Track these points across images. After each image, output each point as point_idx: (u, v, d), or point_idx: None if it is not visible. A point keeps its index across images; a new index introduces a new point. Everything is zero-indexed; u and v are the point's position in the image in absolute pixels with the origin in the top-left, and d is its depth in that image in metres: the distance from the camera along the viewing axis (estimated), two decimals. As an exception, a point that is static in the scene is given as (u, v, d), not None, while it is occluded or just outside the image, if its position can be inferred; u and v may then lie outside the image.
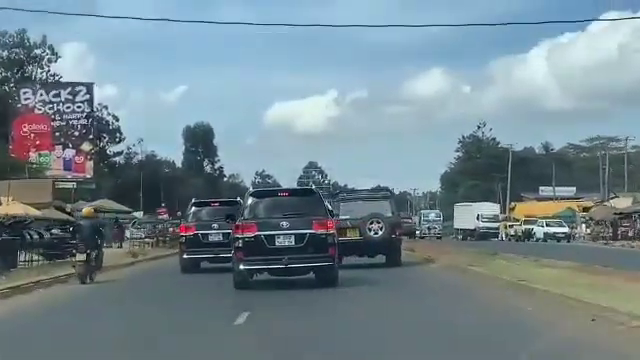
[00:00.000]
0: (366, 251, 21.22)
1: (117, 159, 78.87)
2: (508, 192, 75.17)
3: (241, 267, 14.36)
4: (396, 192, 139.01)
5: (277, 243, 14.29)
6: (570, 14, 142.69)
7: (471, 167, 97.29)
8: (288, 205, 14.90)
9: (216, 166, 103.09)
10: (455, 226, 67.69)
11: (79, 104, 53.83)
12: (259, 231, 14.28)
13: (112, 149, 78.35)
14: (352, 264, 20.20)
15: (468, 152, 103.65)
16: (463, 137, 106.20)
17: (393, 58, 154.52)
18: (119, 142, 78.23)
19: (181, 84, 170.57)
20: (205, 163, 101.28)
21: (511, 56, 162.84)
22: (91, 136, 55.57)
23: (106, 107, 78.09)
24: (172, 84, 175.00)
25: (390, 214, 21.74)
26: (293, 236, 14.31)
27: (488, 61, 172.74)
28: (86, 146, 54.09)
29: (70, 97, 53.70)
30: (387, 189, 22.55)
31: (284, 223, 14.39)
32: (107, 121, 77.19)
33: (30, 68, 67.55)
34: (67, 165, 52.89)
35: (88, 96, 54.33)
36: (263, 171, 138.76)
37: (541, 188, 77.34)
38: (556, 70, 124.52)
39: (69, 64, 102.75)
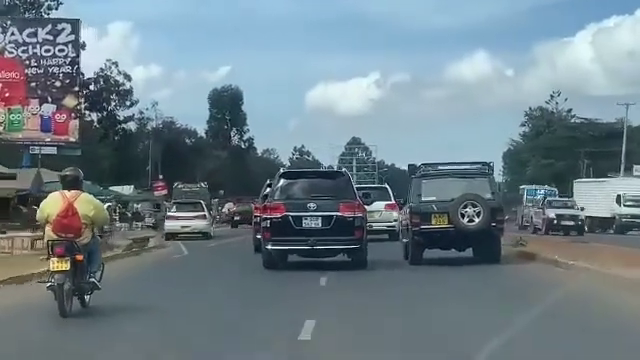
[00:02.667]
0: (457, 243, 17.90)
1: (126, 125, 74.74)
2: (622, 166, 66.69)
3: (268, 247, 15.96)
4: None
5: (304, 224, 15.67)
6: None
7: (542, 143, 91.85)
8: (317, 187, 16.25)
9: (245, 137, 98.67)
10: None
11: (61, 47, 44.83)
12: (287, 212, 15.69)
13: (122, 113, 74.35)
14: (430, 258, 17.87)
15: (536, 127, 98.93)
16: (530, 109, 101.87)
17: (436, 41, 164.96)
18: (131, 106, 74.35)
19: (224, 65, 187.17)
20: (233, 133, 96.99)
21: (555, 40, 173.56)
22: (76, 88, 46.02)
23: (116, 64, 74.14)
24: (215, 64, 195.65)
25: (490, 195, 17.71)
26: (320, 218, 15.65)
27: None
28: (70, 101, 44.71)
29: (50, 38, 44.74)
30: (486, 163, 18.02)
31: (311, 205, 15.69)
32: (117, 81, 73.23)
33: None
34: (45, 125, 43.91)
35: (73, 36, 45.02)
36: (302, 147, 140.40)
37: (636, 167, 70.33)
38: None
39: (114, 41, 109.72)
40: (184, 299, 12.03)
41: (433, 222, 17.23)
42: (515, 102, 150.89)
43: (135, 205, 49.38)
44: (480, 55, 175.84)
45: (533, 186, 58.60)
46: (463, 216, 17.06)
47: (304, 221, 15.73)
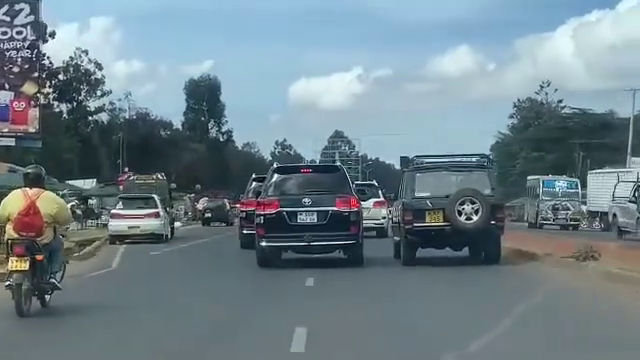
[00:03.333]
0: (453, 242, 17.13)
1: (98, 117, 73.55)
2: (629, 157, 64.57)
3: (262, 244, 15.83)
4: None
5: (299, 220, 15.65)
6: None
7: (532, 135, 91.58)
8: (312, 182, 16.29)
9: (224, 129, 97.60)
10: (589, 208, 44.02)
11: (19, 29, 41.80)
12: (281, 207, 15.66)
13: (94, 104, 73.19)
14: (422, 257, 17.07)
15: (525, 118, 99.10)
16: (518, 100, 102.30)
17: (419, 36, 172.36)
18: (102, 96, 73.19)
19: (207, 59, 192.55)
20: (210, 125, 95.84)
21: (537, 34, 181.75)
22: (36, 74, 43.21)
23: (86, 52, 72.99)
24: (198, 58, 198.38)
25: (489, 190, 16.89)
26: (315, 213, 15.66)
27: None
28: (29, 88, 41.77)
29: (7, 19, 41.75)
30: (485, 155, 17.48)
31: (306, 200, 15.74)
32: (87, 70, 72.00)
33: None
34: (2, 114, 40.88)
35: (32, 17, 42.03)
36: (284, 140, 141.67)
37: (633, 159, 68.67)
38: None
39: (95, 38, 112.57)
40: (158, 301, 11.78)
41: (427, 220, 16.42)
42: (497, 96, 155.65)
43: (90, 201, 46.36)
44: (462, 49, 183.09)
45: (549, 176, 48.80)
46: (460, 213, 16.24)
47: (299, 216, 15.77)
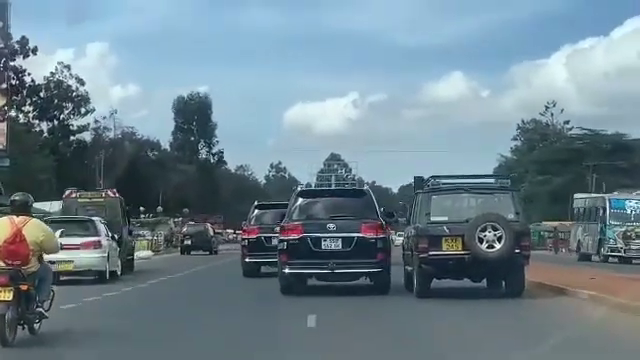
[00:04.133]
0: (472, 273, 15.81)
1: (80, 136, 72.05)
2: None
3: (285, 271, 15.82)
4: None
5: (323, 246, 15.62)
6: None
7: (538, 158, 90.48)
8: (337, 206, 16.30)
9: (214, 149, 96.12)
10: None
11: None
12: (305, 233, 15.67)
13: (77, 122, 71.72)
14: (437, 288, 15.94)
15: (530, 140, 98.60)
16: (523, 122, 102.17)
17: (414, 61, 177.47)
18: (86, 114, 71.79)
19: (203, 84, 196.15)
20: (200, 146, 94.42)
21: (530, 61, 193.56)
22: (4, 85, 41.12)
23: (68, 67, 71.66)
24: (194, 83, 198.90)
25: (513, 215, 15.56)
26: (340, 239, 15.62)
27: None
28: None
29: None
30: (508, 176, 16.00)
31: (331, 225, 15.73)
32: (69, 86, 70.64)
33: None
34: None
35: (0, 23, 40.71)
36: (279, 163, 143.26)
37: None
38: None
39: (92, 63, 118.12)
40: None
41: (444, 247, 15.14)
42: (492, 122, 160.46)
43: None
44: (457, 75, 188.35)
45: (615, 194, 37.76)
46: (481, 241, 14.93)
47: (323, 243, 15.73)
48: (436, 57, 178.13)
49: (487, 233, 14.86)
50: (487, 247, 14.85)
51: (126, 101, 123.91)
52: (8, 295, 9.32)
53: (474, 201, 15.70)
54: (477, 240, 14.84)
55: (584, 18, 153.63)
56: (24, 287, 9.51)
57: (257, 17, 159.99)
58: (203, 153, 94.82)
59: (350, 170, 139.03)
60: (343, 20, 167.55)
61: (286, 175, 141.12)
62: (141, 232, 47.81)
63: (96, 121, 74.71)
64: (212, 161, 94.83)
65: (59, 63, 71.70)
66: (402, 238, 75.06)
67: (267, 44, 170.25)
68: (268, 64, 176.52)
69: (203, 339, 10.55)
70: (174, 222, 51.16)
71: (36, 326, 9.97)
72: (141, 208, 58.66)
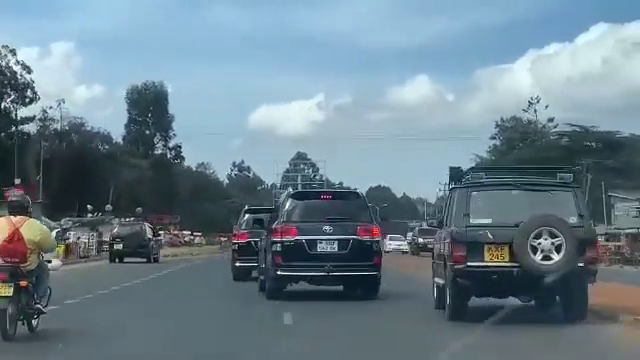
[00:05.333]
0: (521, 290, 13.13)
1: (23, 127, 68.21)
2: None
3: (279, 273, 16.09)
4: (397, 197, 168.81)
5: (319, 249, 16.04)
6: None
7: (519, 156, 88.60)
8: (331, 208, 16.63)
9: (171, 143, 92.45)
10: None
11: None
12: (300, 235, 16.07)
13: (20, 112, 67.92)
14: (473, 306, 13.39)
15: (509, 139, 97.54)
16: (502, 120, 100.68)
17: (379, 64, 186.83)
18: (30, 103, 67.96)
19: (167, 83, 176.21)
20: (156, 139, 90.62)
21: (495, 65, 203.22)
22: None
23: (13, 51, 67.83)
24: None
25: (576, 219, 12.73)
26: (336, 242, 16.05)
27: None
28: None
29: None
30: (571, 170, 13.15)
31: (327, 227, 16.09)
32: (14, 72, 66.86)
33: None
34: None
35: None
36: (242, 162, 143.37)
37: None
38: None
39: (57, 62, 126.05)
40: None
41: (487, 257, 12.37)
42: (457, 125, 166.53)
43: None
44: (421, 79, 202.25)
45: None
46: (535, 250, 12.20)
47: (319, 245, 15.94)
48: (401, 60, 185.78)
49: (542, 241, 12.23)
50: (542, 258, 12.23)
51: (91, 101, 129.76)
52: (9, 291, 10.18)
53: (526, 200, 12.79)
54: (529, 249, 12.18)
55: (550, 24, 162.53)
56: (23, 283, 10.36)
57: (223, 17, 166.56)
58: (159, 148, 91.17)
59: (317, 170, 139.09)
60: (309, 22, 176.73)
61: (250, 174, 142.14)
62: (69, 234, 41.56)
63: (44, 111, 71.03)
64: (169, 156, 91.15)
65: (3, 47, 67.83)
66: (397, 243, 70.69)
67: (233, 45, 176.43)
68: (234, 65, 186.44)
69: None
70: (121, 222, 45.46)
71: (34, 322, 10.88)
72: (89, 206, 55.11)
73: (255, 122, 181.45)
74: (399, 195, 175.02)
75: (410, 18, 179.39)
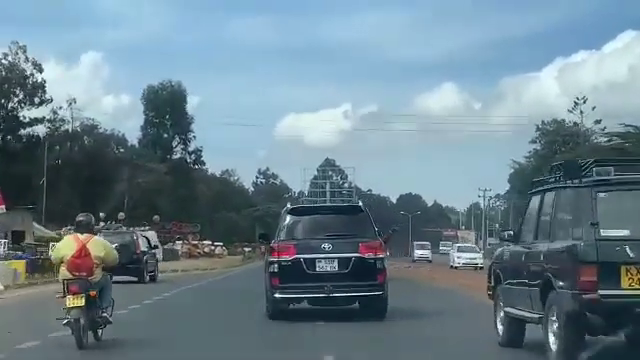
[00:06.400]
0: None
1: (32, 129, 65.55)
2: None
3: (276, 295, 15.66)
4: (428, 205, 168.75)
5: (318, 268, 15.58)
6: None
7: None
8: (331, 224, 16.38)
9: (190, 148, 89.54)
10: None
11: None
12: (298, 254, 15.62)
13: (28, 113, 65.25)
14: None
15: (550, 143, 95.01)
16: (543, 123, 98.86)
17: (406, 73, 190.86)
18: (40, 104, 65.32)
19: (195, 95, 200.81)
20: (175, 142, 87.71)
21: (522, 74, 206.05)
22: None
23: (24, 49, 65.25)
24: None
25: None
26: (336, 260, 15.60)
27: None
28: None
29: None
30: None
31: (326, 245, 15.65)
32: (24, 70, 64.31)
33: None
34: None
35: None
36: (267, 169, 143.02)
37: None
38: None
39: (85, 71, 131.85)
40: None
41: (624, 283, 9.12)
42: (484, 133, 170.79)
43: None
44: (448, 88, 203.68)
45: None
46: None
47: (318, 264, 15.61)
48: (428, 69, 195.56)
49: None
50: None
51: (119, 109, 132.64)
52: (80, 302, 11.52)
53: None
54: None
55: (576, 32, 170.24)
56: (93, 294, 11.74)
57: (250, 27, 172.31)
58: (178, 152, 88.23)
59: (346, 177, 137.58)
60: (335, 32, 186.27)
61: (277, 182, 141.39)
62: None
63: (54, 112, 68.47)
64: (188, 161, 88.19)
65: (13, 43, 65.26)
66: (468, 255, 61.16)
67: (259, 55, 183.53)
68: (260, 75, 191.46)
69: None
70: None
71: (99, 332, 12.15)
72: (101, 214, 52.26)
73: (282, 131, 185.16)
74: (430, 203, 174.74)
75: (436, 28, 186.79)
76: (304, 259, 15.45)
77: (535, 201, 11.18)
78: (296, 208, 17.49)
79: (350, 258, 15.47)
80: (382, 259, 15.76)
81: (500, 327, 11.97)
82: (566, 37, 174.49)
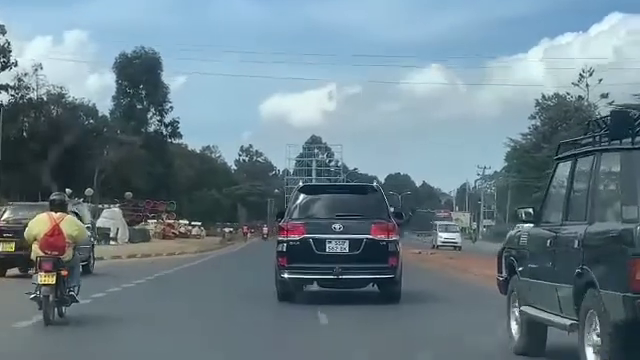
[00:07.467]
0: None
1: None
2: None
3: (284, 276, 15.99)
4: (417, 185, 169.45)
5: (327, 249, 15.87)
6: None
7: (559, 141, 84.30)
8: (343, 204, 16.63)
9: (167, 119, 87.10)
10: None
11: None
12: (307, 233, 15.96)
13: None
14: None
15: (551, 119, 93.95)
16: (543, 97, 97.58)
17: (392, 55, 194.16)
18: (4, 69, 62.85)
19: (180, 75, 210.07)
20: (150, 114, 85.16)
21: (508, 55, 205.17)
22: None
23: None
24: (170, 74, 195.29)
25: None
26: (347, 241, 15.87)
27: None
28: None
29: None
30: None
31: (337, 225, 15.93)
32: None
33: None
34: None
35: None
36: (250, 146, 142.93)
37: None
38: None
39: (70, 49, 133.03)
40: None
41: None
42: (470, 114, 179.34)
43: None
44: (434, 69, 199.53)
45: None
46: None
47: (328, 245, 15.84)
48: (414, 51, 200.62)
49: None
50: None
51: (102, 89, 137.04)
52: (52, 279, 12.21)
53: None
54: None
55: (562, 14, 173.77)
56: (64, 272, 12.40)
57: (235, 8, 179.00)
58: (154, 124, 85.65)
59: (332, 155, 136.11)
60: (321, 13, 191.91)
61: (261, 160, 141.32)
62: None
63: (19, 79, 65.98)
64: (164, 133, 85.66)
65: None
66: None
67: (246, 36, 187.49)
68: (246, 56, 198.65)
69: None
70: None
71: (64, 309, 12.82)
72: (67, 190, 49.86)
73: (267, 111, 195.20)
74: (419, 183, 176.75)
75: (422, 10, 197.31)
76: (313, 239, 15.74)
77: (563, 169, 9.01)
78: (308, 186, 18.03)
79: (361, 239, 15.70)
80: (395, 241, 15.96)
81: (514, 330, 9.94)
82: (552, 20, 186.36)
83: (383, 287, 16.29)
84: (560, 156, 9.31)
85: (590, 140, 8.40)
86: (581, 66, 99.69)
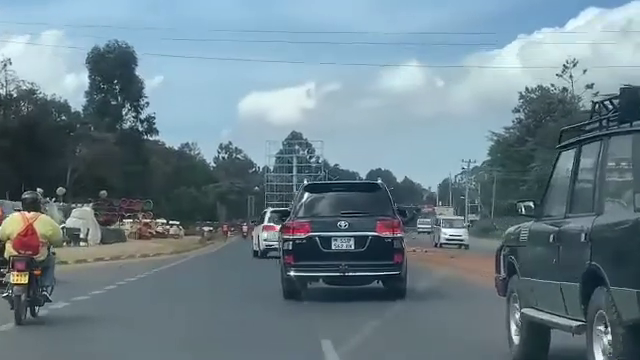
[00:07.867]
0: None
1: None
2: None
3: (291, 274, 16.37)
4: (398, 181, 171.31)
5: (333, 246, 16.29)
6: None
7: (545, 134, 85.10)
8: (348, 202, 17.10)
9: (143, 115, 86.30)
10: None
11: None
12: (313, 231, 16.38)
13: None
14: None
15: (535, 112, 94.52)
16: (527, 90, 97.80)
17: (369, 52, 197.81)
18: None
19: (158, 74, 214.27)
20: (125, 110, 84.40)
21: (485, 51, 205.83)
22: None
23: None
24: (149, 74, 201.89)
25: None
26: (353, 239, 16.29)
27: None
28: None
29: None
30: None
31: (342, 223, 16.38)
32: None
33: None
34: None
35: None
36: (229, 143, 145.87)
37: None
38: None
39: (49, 50, 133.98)
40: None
41: None
42: (447, 110, 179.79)
43: None
44: (411, 65, 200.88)
45: None
46: None
47: (333, 242, 16.19)
48: (391, 47, 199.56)
49: None
50: None
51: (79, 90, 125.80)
52: (24, 279, 12.40)
53: None
54: None
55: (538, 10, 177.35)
56: (38, 272, 12.61)
57: (213, 5, 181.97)
58: (129, 120, 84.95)
59: (313, 151, 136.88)
60: (299, 10, 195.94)
61: (240, 157, 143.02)
62: None
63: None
64: (140, 129, 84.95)
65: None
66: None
67: (223, 33, 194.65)
68: (223, 53, 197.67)
69: None
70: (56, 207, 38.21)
71: (37, 308, 13.04)
72: (39, 189, 49.09)
73: (245, 109, 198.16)
74: (400, 179, 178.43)
75: (401, 6, 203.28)
76: (319, 237, 16.13)
77: (567, 158, 8.38)
78: (313, 185, 18.70)
79: (367, 237, 16.10)
80: (400, 238, 16.34)
81: (514, 334, 9.33)
82: (528, 15, 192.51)
83: (388, 284, 16.68)
84: (562, 144, 8.71)
85: (596, 125, 7.81)
86: (564, 58, 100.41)
